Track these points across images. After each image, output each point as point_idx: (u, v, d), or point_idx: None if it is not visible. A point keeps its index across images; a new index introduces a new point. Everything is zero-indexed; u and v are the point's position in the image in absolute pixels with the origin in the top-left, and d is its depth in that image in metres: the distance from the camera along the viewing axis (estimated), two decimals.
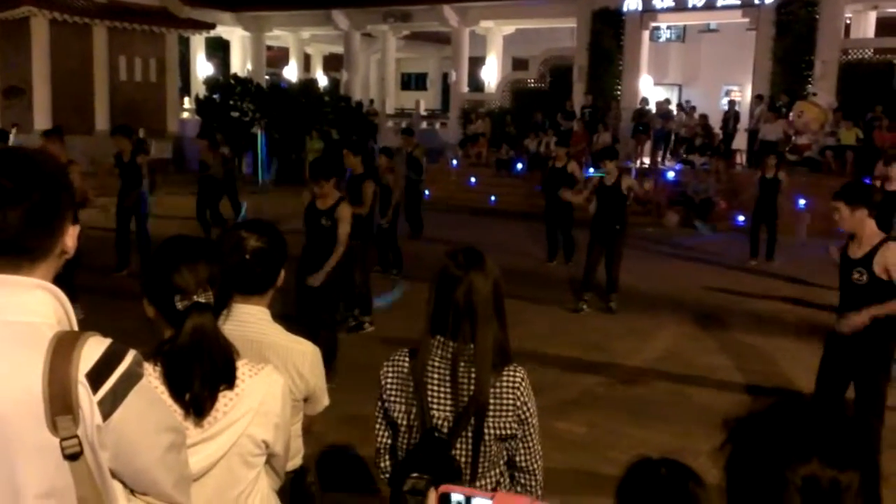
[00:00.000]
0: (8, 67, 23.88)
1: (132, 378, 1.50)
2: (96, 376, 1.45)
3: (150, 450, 1.56)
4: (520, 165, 19.99)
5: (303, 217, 6.78)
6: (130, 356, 1.51)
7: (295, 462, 2.52)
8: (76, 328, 1.54)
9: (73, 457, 1.44)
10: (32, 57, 22.83)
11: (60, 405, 1.42)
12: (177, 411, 1.87)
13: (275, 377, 2.05)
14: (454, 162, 21.59)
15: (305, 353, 2.51)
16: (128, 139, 10.63)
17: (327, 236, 6.55)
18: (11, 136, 14.85)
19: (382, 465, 2.51)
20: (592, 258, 9.35)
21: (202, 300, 1.90)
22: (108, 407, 1.46)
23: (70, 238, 1.56)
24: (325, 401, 2.64)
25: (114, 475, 1.52)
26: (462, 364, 2.31)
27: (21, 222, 1.45)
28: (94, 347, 1.47)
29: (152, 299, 1.97)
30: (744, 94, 23.22)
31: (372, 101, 26.86)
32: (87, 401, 1.44)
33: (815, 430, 1.15)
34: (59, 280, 1.58)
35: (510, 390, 2.34)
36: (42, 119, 22.34)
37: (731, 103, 20.75)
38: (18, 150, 1.57)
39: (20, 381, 1.41)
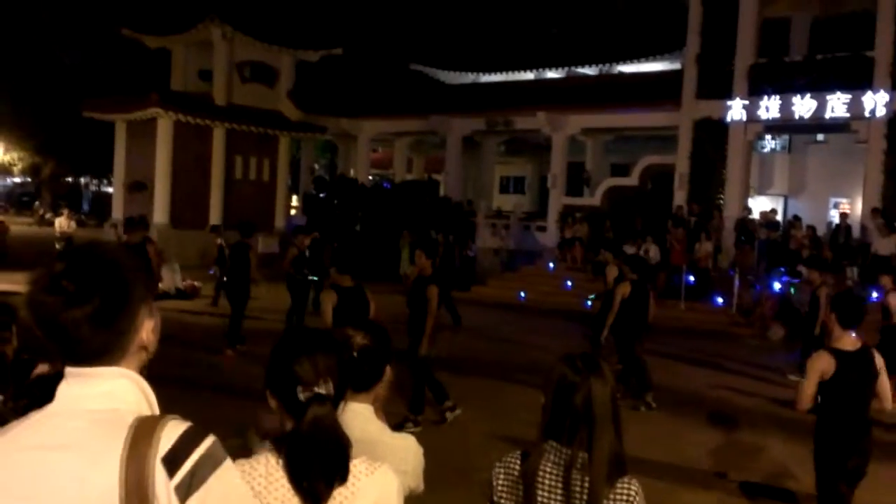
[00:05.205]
0: (133, 164, 25.58)
1: (212, 461, 1.46)
2: (173, 460, 1.42)
3: None
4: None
5: None
6: (210, 440, 1.47)
7: None
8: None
9: None
10: (156, 155, 24.39)
11: (136, 497, 1.39)
12: (297, 501, 1.90)
13: (390, 477, 2.06)
14: (551, 265, 21.59)
15: (409, 449, 2.52)
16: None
17: None
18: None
19: None
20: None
21: (322, 391, 1.94)
22: (184, 493, 1.42)
23: (146, 332, 1.54)
24: (421, 487, 2.60)
25: None
26: (575, 472, 2.27)
27: (87, 325, 1.45)
28: (172, 430, 1.44)
29: (275, 391, 2.01)
30: (853, 207, 22.53)
31: (470, 202, 27.37)
32: (164, 488, 1.41)
33: None
34: None
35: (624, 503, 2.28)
36: (161, 213, 23.70)
37: (843, 216, 20.12)
38: (90, 248, 1.54)
39: (97, 475, 1.40)
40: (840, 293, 5.66)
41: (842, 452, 4.84)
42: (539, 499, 2.30)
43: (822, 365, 4.70)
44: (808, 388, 4.74)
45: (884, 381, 4.76)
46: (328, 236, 20.49)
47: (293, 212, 29.26)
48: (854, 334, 4.82)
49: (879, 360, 4.78)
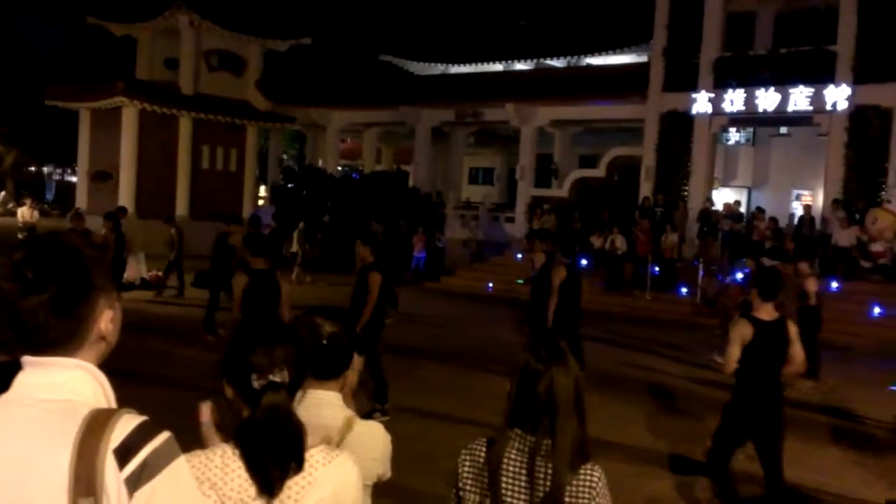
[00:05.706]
0: (97, 153, 25.23)
1: (164, 456, 1.45)
2: (125, 452, 1.41)
3: None
4: (584, 262, 19.94)
5: None
6: (164, 435, 1.47)
7: None
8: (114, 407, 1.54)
9: None
10: (121, 144, 24.08)
11: (84, 487, 1.39)
12: (253, 490, 1.90)
13: (349, 466, 2.05)
14: (519, 256, 21.71)
15: (377, 436, 2.54)
16: (240, 227, 12.56)
17: None
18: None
19: None
20: None
21: (277, 379, 1.94)
22: (133, 485, 1.41)
23: (105, 322, 1.53)
24: (388, 474, 2.64)
25: None
26: (539, 459, 2.32)
27: (45, 312, 1.45)
28: (126, 423, 1.44)
29: (231, 379, 2.01)
30: (815, 199, 22.94)
31: (439, 194, 27.39)
32: (114, 479, 1.40)
33: None
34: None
35: (586, 490, 2.32)
36: (126, 203, 23.40)
37: (807, 208, 20.51)
38: (51, 237, 1.54)
39: (47, 465, 1.41)
40: (760, 270, 6.33)
41: (749, 406, 5.45)
42: (503, 485, 2.34)
43: (742, 331, 5.32)
44: (733, 352, 5.35)
45: (796, 348, 5.35)
46: (314, 226, 20.44)
47: (261, 202, 29.07)
48: (772, 306, 5.40)
49: (793, 330, 5.39)
